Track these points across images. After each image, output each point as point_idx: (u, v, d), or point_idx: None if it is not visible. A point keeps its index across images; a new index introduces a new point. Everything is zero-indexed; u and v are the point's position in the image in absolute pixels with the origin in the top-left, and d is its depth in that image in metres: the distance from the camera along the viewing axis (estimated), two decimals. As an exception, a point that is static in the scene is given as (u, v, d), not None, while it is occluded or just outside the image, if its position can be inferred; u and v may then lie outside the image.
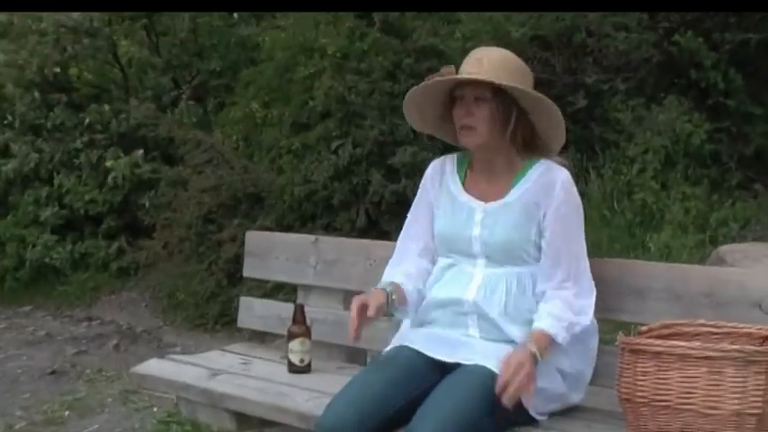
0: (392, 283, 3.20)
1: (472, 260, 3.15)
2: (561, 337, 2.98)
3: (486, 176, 3.20)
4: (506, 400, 2.85)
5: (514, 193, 3.13)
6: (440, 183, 3.29)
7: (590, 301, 3.07)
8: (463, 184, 3.25)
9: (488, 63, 3.08)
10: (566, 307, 3.01)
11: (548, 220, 3.08)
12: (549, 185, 3.09)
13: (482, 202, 3.17)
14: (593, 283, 3.10)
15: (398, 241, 3.38)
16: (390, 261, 3.35)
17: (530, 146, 3.18)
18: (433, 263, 3.29)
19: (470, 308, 3.10)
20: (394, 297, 3.16)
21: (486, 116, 3.09)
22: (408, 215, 3.38)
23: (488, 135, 3.11)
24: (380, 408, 2.94)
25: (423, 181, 3.36)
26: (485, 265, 3.13)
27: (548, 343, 2.98)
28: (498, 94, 3.07)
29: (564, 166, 3.16)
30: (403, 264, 3.30)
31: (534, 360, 2.91)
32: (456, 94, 3.15)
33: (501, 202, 3.14)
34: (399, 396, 2.97)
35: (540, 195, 3.09)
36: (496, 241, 3.10)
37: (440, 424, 2.79)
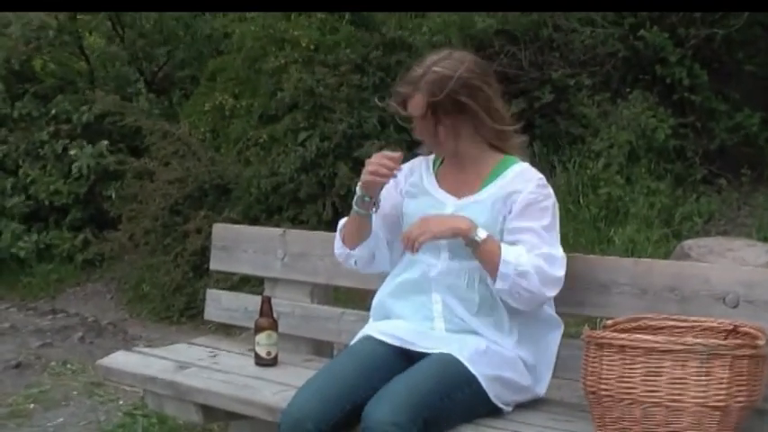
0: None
1: (436, 253, 3.14)
2: (506, 269, 2.95)
3: (458, 172, 3.20)
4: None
5: (487, 191, 3.12)
6: (411, 174, 3.29)
7: (559, 275, 3.02)
8: (437, 178, 3.26)
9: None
10: (533, 260, 2.98)
11: (515, 209, 3.07)
12: (524, 183, 3.10)
13: (454, 197, 3.17)
14: (564, 260, 3.06)
15: None
16: None
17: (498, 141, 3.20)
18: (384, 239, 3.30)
19: (434, 284, 3.11)
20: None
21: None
22: None
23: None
24: (345, 398, 2.94)
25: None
26: (448, 258, 3.12)
27: (493, 256, 2.97)
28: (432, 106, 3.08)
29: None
30: None
31: (471, 230, 2.96)
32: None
33: (472, 198, 3.14)
34: (364, 387, 2.97)
35: (511, 192, 3.09)
36: (462, 236, 3.10)
37: (393, 405, 2.81)
